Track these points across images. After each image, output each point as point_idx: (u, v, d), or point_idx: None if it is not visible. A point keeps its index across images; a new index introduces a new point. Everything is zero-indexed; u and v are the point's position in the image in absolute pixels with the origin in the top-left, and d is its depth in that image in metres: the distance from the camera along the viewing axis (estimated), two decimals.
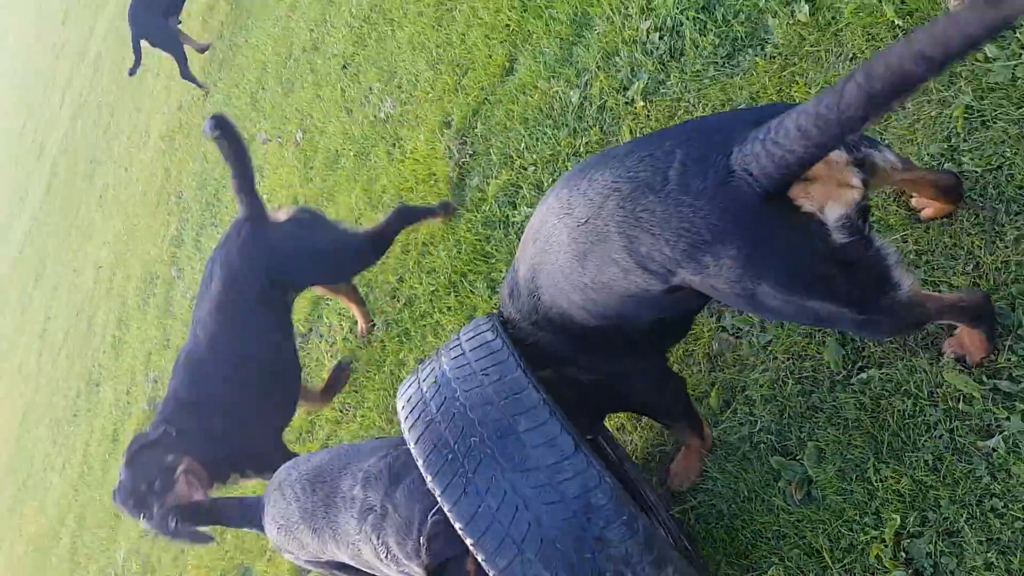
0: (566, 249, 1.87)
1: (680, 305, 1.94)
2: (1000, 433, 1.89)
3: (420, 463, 1.85)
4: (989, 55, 2.16)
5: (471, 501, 1.76)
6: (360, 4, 5.53)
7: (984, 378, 1.95)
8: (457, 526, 1.77)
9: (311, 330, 4.74)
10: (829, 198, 1.57)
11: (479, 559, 1.77)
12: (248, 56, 7.21)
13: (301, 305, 4.86)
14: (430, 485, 1.82)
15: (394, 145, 4.60)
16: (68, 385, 8.30)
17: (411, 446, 1.89)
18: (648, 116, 3.18)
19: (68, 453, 7.62)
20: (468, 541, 1.76)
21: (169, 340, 6.54)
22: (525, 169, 3.67)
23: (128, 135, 9.87)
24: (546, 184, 3.52)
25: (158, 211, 7.91)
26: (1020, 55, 2.10)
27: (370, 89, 5.06)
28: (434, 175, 4.19)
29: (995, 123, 2.11)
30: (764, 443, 2.35)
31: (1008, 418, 1.89)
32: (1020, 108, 2.06)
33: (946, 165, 2.16)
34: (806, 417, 2.27)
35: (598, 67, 3.46)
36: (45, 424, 8.63)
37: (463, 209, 3.93)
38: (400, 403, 2.02)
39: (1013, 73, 2.08)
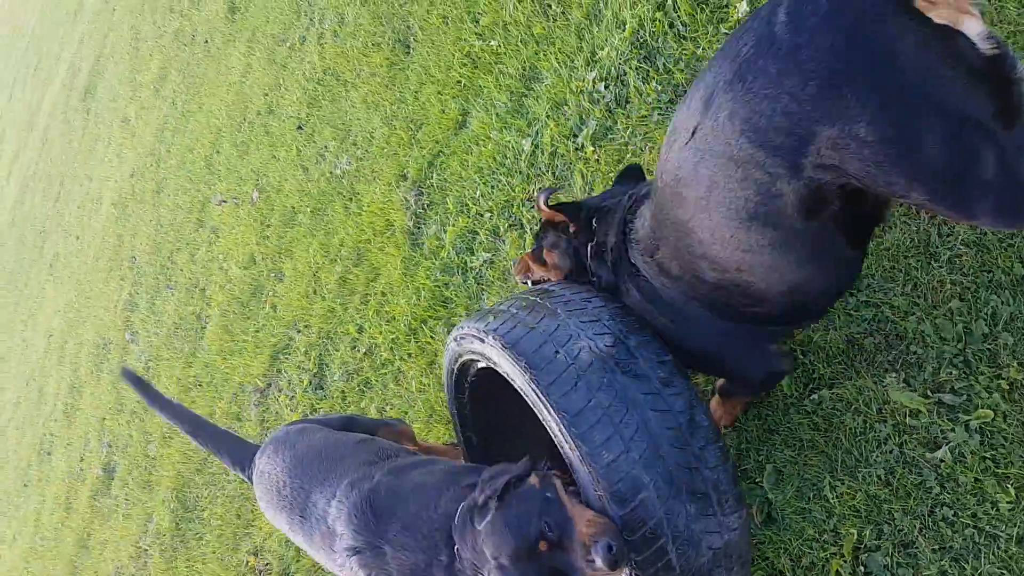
0: (682, 167, 1.68)
1: (811, 243, 1.66)
2: (946, 444, 1.97)
3: (522, 359, 1.87)
4: None
5: (581, 395, 1.80)
6: (313, 67, 5.63)
7: (928, 393, 2.03)
8: (563, 417, 1.78)
9: (270, 384, 4.71)
10: (959, 15, 1.38)
11: (577, 455, 1.78)
12: (202, 122, 7.25)
13: (260, 359, 4.84)
14: (531, 382, 1.85)
15: (351, 199, 4.66)
16: (18, 456, 8.05)
17: (507, 347, 1.91)
18: (598, 160, 3.29)
19: (19, 524, 7.35)
20: (572, 432, 1.78)
21: (123, 405, 6.41)
22: (481, 216, 3.74)
23: (79, 203, 9.78)
24: (502, 229, 3.61)
25: (111, 277, 7.81)
26: None
27: (325, 147, 5.13)
28: (392, 226, 4.25)
29: None
30: None
31: (953, 429, 1.97)
32: None
33: None
34: (763, 440, 2.33)
35: (548, 116, 3.58)
36: None
37: (421, 257, 3.98)
38: (481, 321, 2.05)
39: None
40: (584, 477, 1.82)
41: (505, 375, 2.00)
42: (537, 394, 1.85)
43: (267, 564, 4.17)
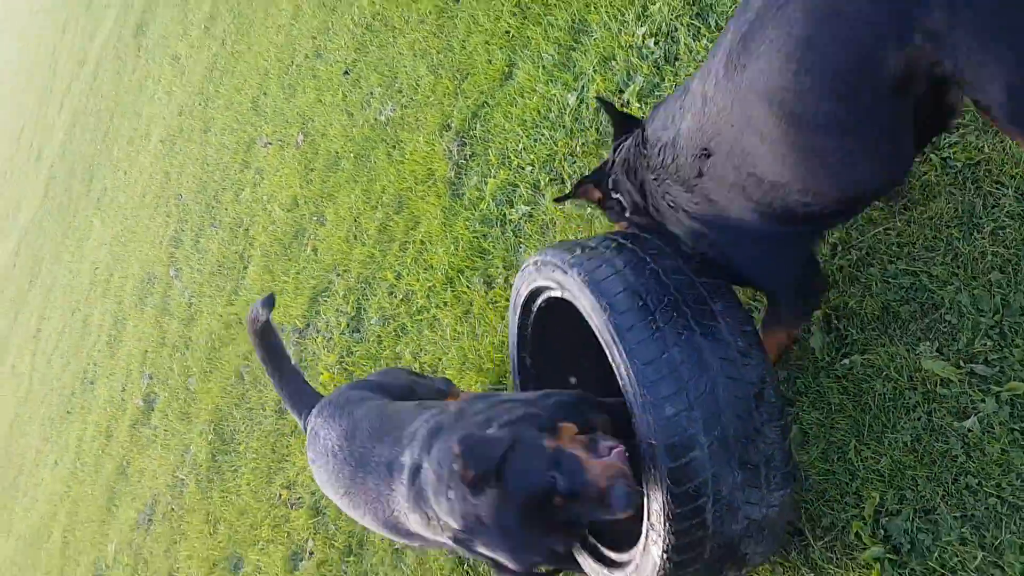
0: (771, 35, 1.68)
1: (889, 125, 1.70)
2: (976, 414, 1.98)
3: (604, 299, 1.93)
4: None
5: (657, 346, 1.85)
6: (362, 12, 5.64)
7: (961, 363, 2.03)
8: (634, 364, 1.84)
9: (308, 325, 4.81)
10: None
11: (640, 403, 1.82)
12: (250, 63, 7.31)
13: (299, 301, 4.94)
14: (609, 322, 1.90)
15: (394, 147, 4.69)
16: (62, 383, 8.32)
17: (591, 284, 1.96)
18: (642, 117, 3.27)
19: (60, 450, 7.64)
20: (640, 379, 1.83)
21: (165, 338, 6.59)
22: (523, 169, 3.76)
23: (128, 139, 9.95)
24: (543, 183, 3.62)
25: (157, 213, 7.97)
26: None
27: (371, 93, 5.16)
28: (433, 175, 4.28)
29: (976, 119, 2.21)
30: None
31: (983, 400, 1.97)
32: None
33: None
34: (791, 402, 2.35)
35: (595, 71, 3.56)
36: (37, 422, 8.64)
37: (460, 207, 4.02)
38: (568, 253, 2.09)
39: None
40: (642, 425, 1.86)
41: (582, 309, 2.03)
42: (613, 336, 1.89)
43: (299, 498, 4.31)
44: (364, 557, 3.72)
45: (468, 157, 4.14)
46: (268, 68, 6.91)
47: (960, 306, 2.07)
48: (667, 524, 1.86)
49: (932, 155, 2.24)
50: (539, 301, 2.45)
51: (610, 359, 1.93)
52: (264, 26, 7.29)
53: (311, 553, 4.05)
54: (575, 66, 3.71)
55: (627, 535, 2.10)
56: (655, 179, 2.08)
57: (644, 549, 1.99)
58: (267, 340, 3.15)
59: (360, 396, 2.79)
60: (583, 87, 3.62)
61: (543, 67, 3.85)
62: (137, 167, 9.17)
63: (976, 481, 1.94)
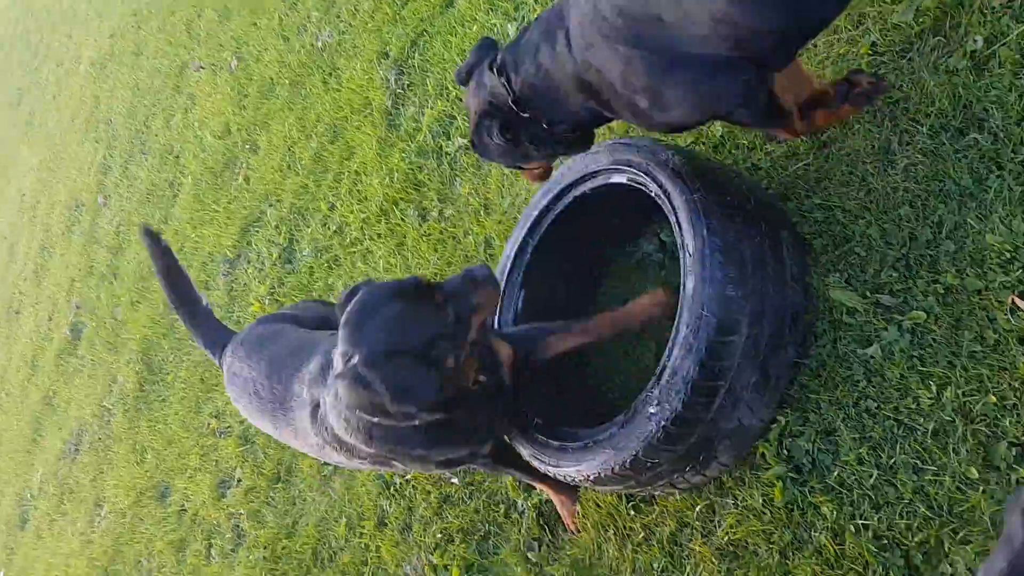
0: None
1: None
2: (879, 342, 2.05)
3: (699, 180, 2.08)
4: None
5: (735, 234, 2.03)
6: None
7: (867, 293, 2.10)
8: (714, 242, 1.99)
9: (239, 256, 4.74)
10: None
11: (706, 276, 1.96)
12: None
13: (230, 231, 4.85)
14: (694, 200, 2.04)
15: (330, 74, 4.59)
16: None
17: (686, 162, 2.12)
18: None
19: None
20: (717, 256, 1.98)
21: (93, 267, 6.42)
22: (460, 100, 3.71)
23: (57, 62, 9.54)
24: None
25: (86, 138, 7.70)
26: None
27: (308, 17, 5.02)
28: (370, 104, 4.21)
29: (899, 59, 2.25)
30: None
31: (887, 328, 2.05)
32: (919, 43, 2.20)
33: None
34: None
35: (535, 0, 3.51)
36: None
37: (397, 138, 3.96)
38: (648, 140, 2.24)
39: (916, 10, 2.22)
40: (699, 295, 1.96)
41: (657, 188, 2.12)
42: (695, 212, 2.01)
43: (227, 427, 4.30)
44: (292, 483, 3.74)
45: (406, 87, 4.08)
46: None
47: (870, 239, 2.13)
48: (683, 392, 1.94)
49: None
50: (584, 188, 2.42)
51: (682, 234, 2.03)
52: None
53: (239, 480, 4.05)
54: None
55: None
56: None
57: (632, 417, 2.04)
58: (174, 279, 3.04)
59: (273, 331, 2.74)
60: (523, 17, 3.57)
61: None
62: (66, 91, 8.82)
63: (875, 405, 2.03)
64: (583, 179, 2.40)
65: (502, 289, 2.46)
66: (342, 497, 3.44)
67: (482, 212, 3.40)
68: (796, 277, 2.10)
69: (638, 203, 2.28)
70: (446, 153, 3.70)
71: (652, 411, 1.99)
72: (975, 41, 2.08)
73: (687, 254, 2.01)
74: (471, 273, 1.98)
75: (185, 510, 4.36)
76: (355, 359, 1.87)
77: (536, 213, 2.53)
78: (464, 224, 3.45)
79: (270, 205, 4.66)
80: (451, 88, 3.77)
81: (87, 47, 8.78)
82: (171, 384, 4.88)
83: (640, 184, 2.21)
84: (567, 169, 2.46)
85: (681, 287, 2.03)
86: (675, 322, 2.02)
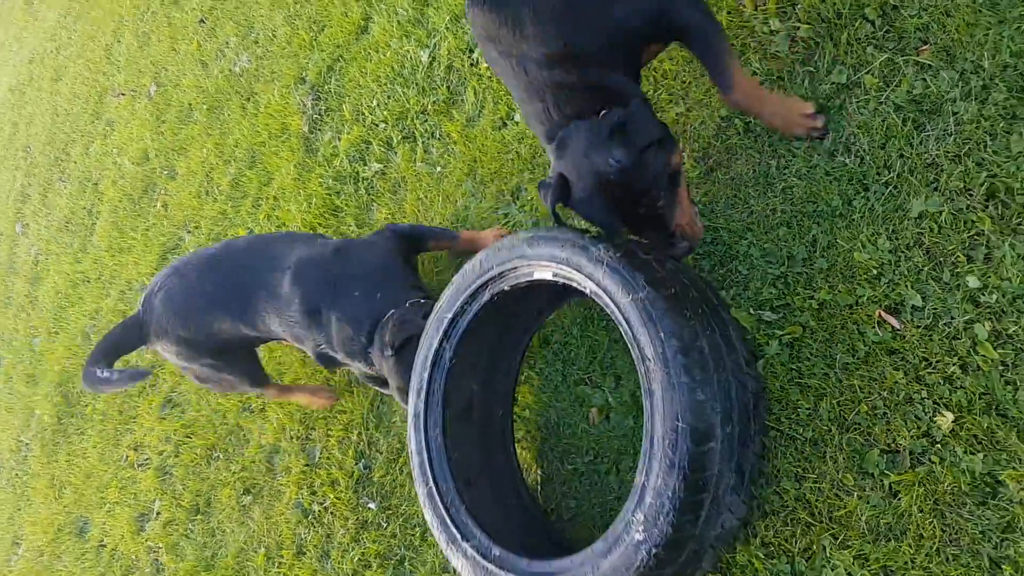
0: None
1: None
2: (762, 357, 2.15)
3: (641, 277, 1.91)
4: (772, 28, 2.41)
5: (691, 333, 1.86)
6: None
7: (751, 310, 2.20)
8: (672, 344, 1.82)
9: None
10: None
11: (673, 382, 1.80)
12: (105, 8, 6.94)
13: (148, 258, 4.78)
14: (640, 303, 1.86)
15: (248, 99, 4.59)
16: None
17: (622, 264, 1.94)
18: (491, 78, 3.32)
19: None
20: (680, 359, 1.81)
21: (11, 298, 6.25)
22: (376, 126, 3.75)
23: None
24: (396, 141, 3.63)
25: (3, 166, 7.51)
26: (798, 27, 2.35)
27: (227, 43, 5.01)
28: (287, 130, 4.21)
29: (775, 86, 2.37)
30: (573, 376, 2.56)
31: (768, 343, 2.14)
32: (791, 71, 2.32)
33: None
34: (608, 349, 2.48)
35: (447, 28, 3.58)
36: None
37: (314, 164, 3.98)
38: (578, 235, 2.05)
39: (791, 41, 2.34)
40: (670, 405, 1.79)
41: (597, 289, 1.96)
42: (645, 315, 1.84)
43: (146, 459, 4.22)
44: (211, 515, 3.70)
45: (322, 112, 4.10)
46: (123, 14, 6.59)
47: (751, 258, 2.23)
48: (671, 514, 1.78)
49: (736, 119, 2.39)
50: (501, 285, 2.24)
51: (636, 340, 1.86)
52: None
53: (158, 513, 3.98)
54: (429, 23, 3.72)
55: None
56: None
57: (615, 545, 1.86)
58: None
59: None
60: (435, 44, 3.63)
61: (398, 22, 3.84)
62: None
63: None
64: (500, 276, 2.22)
65: (423, 401, 2.36)
66: (261, 527, 3.41)
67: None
68: (748, 359, 2.03)
69: (565, 287, 2.13)
70: (363, 178, 3.73)
71: (639, 538, 1.81)
72: (841, 69, 2.20)
73: (646, 361, 1.85)
74: None
75: (104, 545, 4.26)
76: None
77: (449, 316, 2.34)
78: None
79: (188, 231, 4.61)
80: (367, 113, 3.81)
81: (5, 73, 8.58)
82: (89, 416, 4.78)
83: (570, 280, 2.06)
84: (480, 264, 2.27)
85: (645, 397, 1.86)
86: (647, 436, 1.84)
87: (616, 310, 1.92)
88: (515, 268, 2.17)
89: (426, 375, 2.36)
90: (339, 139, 3.92)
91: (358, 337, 2.61)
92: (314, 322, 2.70)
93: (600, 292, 1.96)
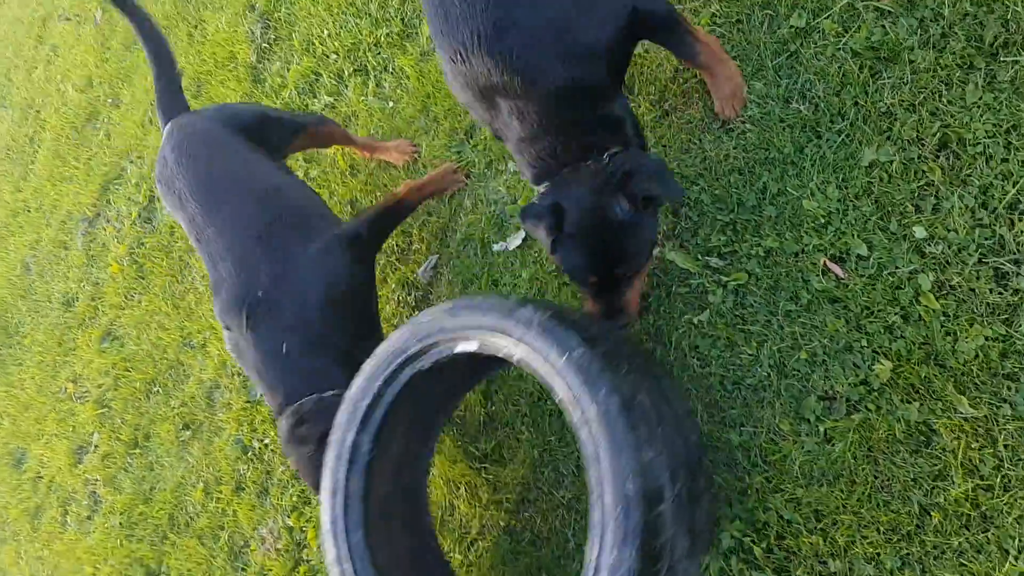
0: None
1: None
2: (710, 307, 2.14)
3: (566, 342, 1.71)
4: None
5: (630, 387, 1.69)
6: None
7: (699, 256, 2.18)
8: (612, 401, 1.64)
9: (98, 215, 4.52)
10: None
11: (620, 442, 1.61)
12: None
13: (90, 188, 4.62)
14: (574, 363, 1.68)
15: (196, 26, 4.40)
16: None
17: (557, 323, 1.76)
18: None
19: None
20: (624, 417, 1.62)
21: None
22: (327, 57, 3.63)
23: None
24: (347, 74, 3.51)
25: None
26: None
27: None
28: (235, 59, 4.06)
29: (734, 28, 2.32)
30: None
31: (715, 291, 2.13)
32: (752, 14, 2.27)
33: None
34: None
35: None
36: None
37: (261, 95, 3.85)
38: (500, 299, 1.87)
39: None
40: (617, 469, 1.60)
41: (525, 356, 1.77)
42: (580, 376, 1.67)
43: (85, 392, 4.13)
44: (150, 449, 3.63)
45: (271, 41, 3.95)
46: None
47: (702, 204, 2.20)
48: None
49: None
50: (421, 363, 2.00)
51: (576, 402, 1.69)
52: None
53: (96, 446, 3.91)
54: None
55: None
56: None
57: None
58: (155, 46, 2.94)
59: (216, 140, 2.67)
60: None
61: None
62: None
63: (700, 363, 2.11)
64: (420, 354, 1.98)
65: (344, 496, 2.05)
66: (200, 462, 3.36)
67: (348, 173, 3.35)
68: (687, 412, 1.93)
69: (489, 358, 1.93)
70: (312, 111, 3.61)
71: None
72: (800, 13, 2.16)
73: (587, 423, 1.66)
74: None
75: (41, 477, 4.18)
76: None
77: (367, 403, 2.06)
78: (330, 185, 3.39)
79: (131, 161, 4.45)
80: (317, 44, 3.67)
81: None
82: (28, 347, 4.65)
83: (496, 350, 1.85)
84: (396, 342, 2.02)
85: (588, 464, 1.66)
86: (594, 507, 1.63)
87: (551, 372, 1.73)
88: (434, 344, 1.95)
89: (341, 474, 2.05)
90: (288, 70, 3.78)
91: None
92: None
93: (531, 356, 1.77)
